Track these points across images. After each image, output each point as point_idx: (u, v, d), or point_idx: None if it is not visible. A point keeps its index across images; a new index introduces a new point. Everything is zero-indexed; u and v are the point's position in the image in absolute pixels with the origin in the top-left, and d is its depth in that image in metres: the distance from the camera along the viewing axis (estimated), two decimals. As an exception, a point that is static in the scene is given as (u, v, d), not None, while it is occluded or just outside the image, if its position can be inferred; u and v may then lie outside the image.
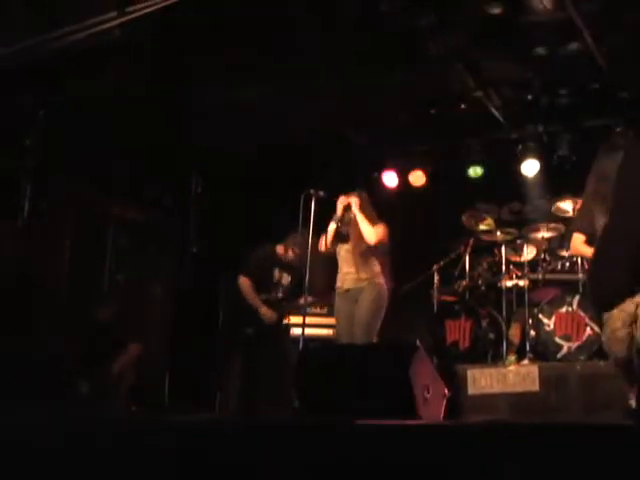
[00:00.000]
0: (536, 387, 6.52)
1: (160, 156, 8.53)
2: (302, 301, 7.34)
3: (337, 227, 7.06)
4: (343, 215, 7.04)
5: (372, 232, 6.91)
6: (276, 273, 7.56)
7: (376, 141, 9.14)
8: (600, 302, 3.97)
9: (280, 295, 7.55)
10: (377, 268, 6.93)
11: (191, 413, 6.81)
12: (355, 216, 6.98)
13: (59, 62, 6.20)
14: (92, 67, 6.78)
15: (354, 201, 7.00)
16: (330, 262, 7.42)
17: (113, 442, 3.83)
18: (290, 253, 7.55)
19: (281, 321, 7.62)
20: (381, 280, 6.89)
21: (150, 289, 9.31)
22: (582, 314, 7.09)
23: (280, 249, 7.61)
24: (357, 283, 6.92)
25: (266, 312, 7.39)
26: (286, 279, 7.61)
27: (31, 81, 6.58)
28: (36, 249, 7.53)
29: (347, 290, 6.94)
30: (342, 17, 6.71)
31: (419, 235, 9.24)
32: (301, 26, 6.84)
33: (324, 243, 7.06)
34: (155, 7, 5.31)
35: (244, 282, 7.45)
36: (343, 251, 7.10)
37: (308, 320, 7.25)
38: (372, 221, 7.00)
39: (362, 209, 7.03)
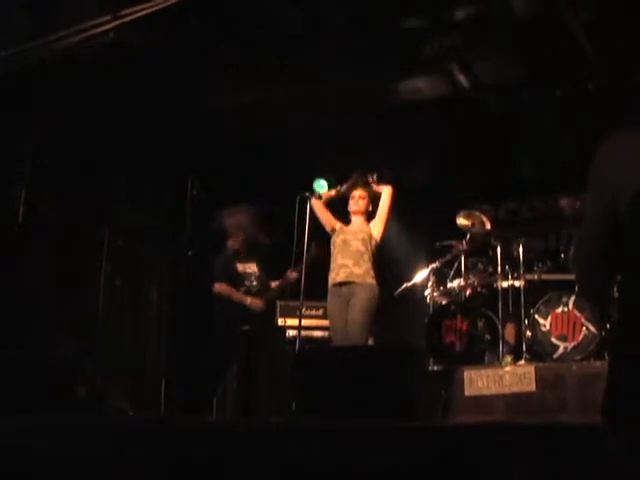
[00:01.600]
0: (533, 387, 6.52)
1: (157, 158, 8.53)
2: (274, 284, 7.44)
3: (336, 193, 7.13)
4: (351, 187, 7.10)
5: (381, 228, 6.96)
6: (238, 266, 7.53)
7: (370, 140, 9.11)
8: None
9: (255, 283, 7.51)
10: (370, 265, 6.87)
11: (188, 416, 6.81)
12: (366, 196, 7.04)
13: (54, 65, 6.19)
14: (87, 70, 6.77)
15: (387, 190, 7.02)
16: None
17: (111, 445, 3.83)
18: (234, 241, 7.57)
19: (269, 307, 7.64)
20: (373, 280, 6.85)
21: (147, 292, 9.30)
22: (578, 314, 7.09)
23: (229, 243, 7.63)
24: (350, 277, 6.84)
25: (253, 301, 7.36)
26: (250, 267, 7.58)
27: (26, 85, 6.57)
28: (31, 252, 7.53)
29: (339, 284, 6.88)
30: (338, 19, 6.72)
31: (414, 235, 9.25)
32: (295, 28, 6.85)
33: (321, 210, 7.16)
34: (149, 10, 5.31)
35: (220, 287, 7.42)
36: (339, 240, 7.05)
37: (304, 322, 7.27)
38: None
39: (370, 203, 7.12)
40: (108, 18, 5.58)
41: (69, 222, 8.05)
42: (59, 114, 7.24)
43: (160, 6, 5.48)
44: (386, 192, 7.03)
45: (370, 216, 7.14)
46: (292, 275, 7.46)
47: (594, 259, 2.33)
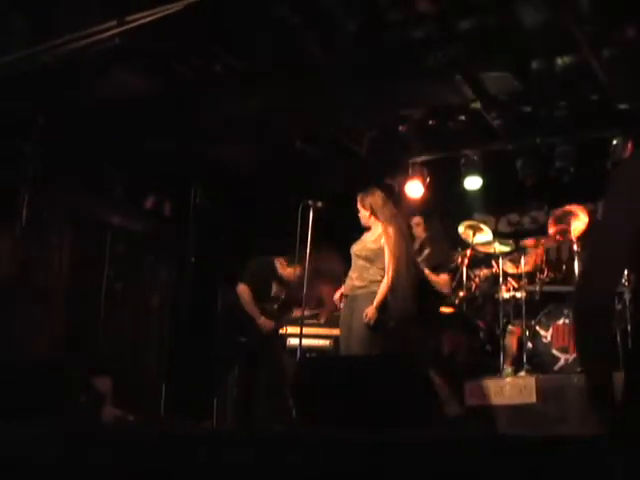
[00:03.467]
0: (533, 399, 6.51)
1: (159, 165, 8.53)
2: (297, 313, 7.37)
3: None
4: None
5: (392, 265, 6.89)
6: (274, 286, 7.55)
7: (375, 152, 9.12)
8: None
9: (276, 307, 7.56)
10: (378, 276, 6.85)
11: (188, 424, 6.80)
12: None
13: (59, 70, 6.20)
14: (91, 76, 6.78)
15: (389, 230, 6.97)
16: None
17: (110, 454, 3.82)
18: (289, 270, 7.57)
19: (277, 332, 7.62)
20: (377, 289, 6.83)
21: (148, 298, 9.30)
22: (580, 326, 7.08)
23: (280, 263, 7.62)
24: (352, 290, 6.89)
25: (264, 322, 7.39)
26: (282, 292, 7.61)
27: (30, 89, 6.58)
28: (34, 257, 7.53)
29: (346, 295, 6.93)
30: (342, 30, 6.73)
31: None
32: (301, 38, 6.85)
33: None
34: (155, 16, 5.32)
35: (244, 290, 7.44)
36: (352, 253, 7.05)
37: (305, 330, 7.25)
38: (387, 222, 6.98)
39: (378, 209, 7.05)
40: (114, 23, 5.58)
41: (72, 227, 8.05)
42: (62, 118, 7.24)
43: (165, 12, 5.47)
44: (387, 232, 6.95)
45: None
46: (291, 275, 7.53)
47: (607, 266, 2.31)
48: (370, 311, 6.67)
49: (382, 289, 6.74)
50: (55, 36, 5.62)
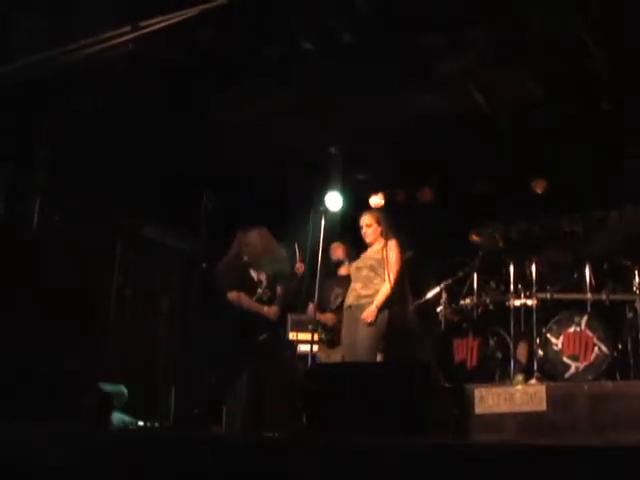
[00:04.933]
0: (543, 407, 6.49)
1: (171, 171, 8.55)
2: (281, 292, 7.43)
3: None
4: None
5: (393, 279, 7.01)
6: (252, 274, 7.50)
7: (385, 157, 9.12)
8: None
9: (267, 291, 7.50)
10: (380, 286, 6.96)
11: (197, 426, 6.79)
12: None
13: (72, 75, 6.22)
14: (105, 81, 6.80)
15: (391, 244, 7.10)
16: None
17: (118, 457, 3.82)
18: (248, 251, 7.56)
19: (284, 315, 7.65)
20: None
21: (157, 303, 9.31)
22: (590, 334, 7.08)
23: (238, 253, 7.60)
24: (358, 300, 7.03)
25: (269, 310, 7.36)
26: (261, 275, 7.55)
27: (44, 94, 6.60)
28: (44, 261, 7.54)
29: (349, 306, 7.05)
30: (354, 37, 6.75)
31: (427, 253, 9.23)
32: (309, 43, 6.87)
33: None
34: (169, 22, 5.34)
35: (234, 296, 7.38)
36: (353, 268, 7.23)
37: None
38: (391, 235, 7.12)
39: (385, 224, 7.24)
40: (128, 29, 5.60)
41: (81, 232, 8.07)
42: (75, 123, 7.26)
43: (179, 18, 5.50)
44: (390, 247, 7.08)
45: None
46: (300, 269, 7.51)
47: None
48: (371, 311, 6.82)
49: (384, 291, 6.91)
50: (71, 41, 5.63)
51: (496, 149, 8.79)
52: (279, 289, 7.49)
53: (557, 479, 3.04)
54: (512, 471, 3.15)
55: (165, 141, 8.14)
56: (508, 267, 7.86)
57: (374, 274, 7.02)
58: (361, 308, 6.91)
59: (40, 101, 6.69)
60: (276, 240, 7.63)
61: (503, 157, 8.95)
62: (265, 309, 7.34)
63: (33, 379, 6.05)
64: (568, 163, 8.74)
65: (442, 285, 8.37)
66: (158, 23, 5.33)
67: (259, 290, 7.41)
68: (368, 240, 7.24)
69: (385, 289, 6.91)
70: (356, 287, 7.09)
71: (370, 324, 6.78)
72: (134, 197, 8.72)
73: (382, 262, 7.01)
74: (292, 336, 8.08)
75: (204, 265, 7.16)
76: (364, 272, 7.08)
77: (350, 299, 7.11)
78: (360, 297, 7.00)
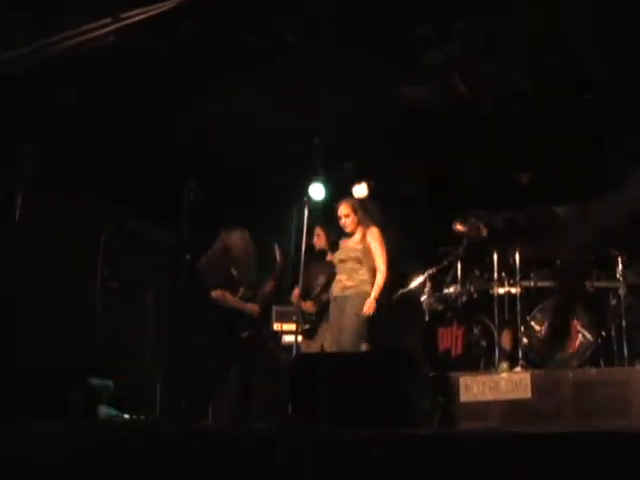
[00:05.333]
0: (528, 394, 6.52)
1: (154, 162, 8.52)
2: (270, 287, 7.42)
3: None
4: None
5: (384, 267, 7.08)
6: (233, 272, 7.48)
7: (368, 146, 9.11)
8: None
9: (247, 289, 7.49)
10: (367, 276, 7.03)
11: (184, 422, 6.79)
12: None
13: (53, 67, 6.19)
14: (87, 73, 6.76)
15: (373, 232, 7.13)
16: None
17: (105, 451, 3.82)
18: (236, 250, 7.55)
19: (266, 312, 7.66)
20: (369, 288, 6.99)
21: (143, 296, 9.27)
22: (574, 321, 7.11)
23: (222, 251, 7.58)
24: (343, 291, 7.11)
25: (251, 307, 7.36)
26: (242, 275, 7.56)
27: (25, 88, 6.57)
28: (28, 255, 7.51)
29: (335, 298, 7.08)
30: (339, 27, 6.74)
31: (410, 242, 9.25)
32: (295, 34, 6.85)
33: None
34: (150, 13, 5.31)
35: (218, 294, 7.35)
36: (337, 260, 7.25)
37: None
38: (372, 222, 7.17)
39: (364, 212, 7.26)
40: (108, 21, 5.57)
41: (65, 225, 8.03)
42: (57, 117, 7.23)
43: (160, 10, 5.47)
44: (372, 235, 7.13)
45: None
46: (268, 287, 7.49)
47: None
48: (370, 303, 6.92)
49: (379, 282, 7.04)
50: (52, 33, 5.60)
51: (480, 138, 8.80)
52: (261, 288, 7.50)
53: (542, 465, 3.06)
54: (497, 458, 3.17)
55: (148, 133, 8.11)
56: (492, 256, 7.88)
57: (359, 265, 7.09)
58: (346, 299, 6.97)
59: (22, 95, 6.64)
60: (255, 242, 7.64)
61: (488, 146, 8.97)
62: (248, 307, 7.34)
63: (20, 375, 6.05)
64: (552, 152, 8.76)
65: (426, 274, 8.37)
66: (139, 15, 5.30)
67: (241, 289, 7.41)
68: (348, 230, 7.28)
69: (380, 280, 7.02)
70: (341, 279, 7.15)
71: (357, 314, 6.83)
72: (118, 190, 8.68)
73: (366, 252, 7.08)
74: (277, 327, 8.10)
75: (188, 257, 7.14)
76: (349, 264, 7.13)
77: (336, 290, 7.18)
78: (345, 288, 7.07)
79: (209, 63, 7.11)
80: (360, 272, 7.06)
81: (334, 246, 7.55)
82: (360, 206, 7.39)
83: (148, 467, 3.68)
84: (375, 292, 6.96)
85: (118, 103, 7.43)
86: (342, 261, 7.18)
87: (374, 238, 7.14)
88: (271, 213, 8.16)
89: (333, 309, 7.16)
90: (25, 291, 7.34)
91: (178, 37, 6.55)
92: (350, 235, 7.29)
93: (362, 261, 7.07)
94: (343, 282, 7.09)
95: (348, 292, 7.01)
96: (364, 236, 7.17)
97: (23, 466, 3.70)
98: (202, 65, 7.16)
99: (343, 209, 7.32)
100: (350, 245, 7.23)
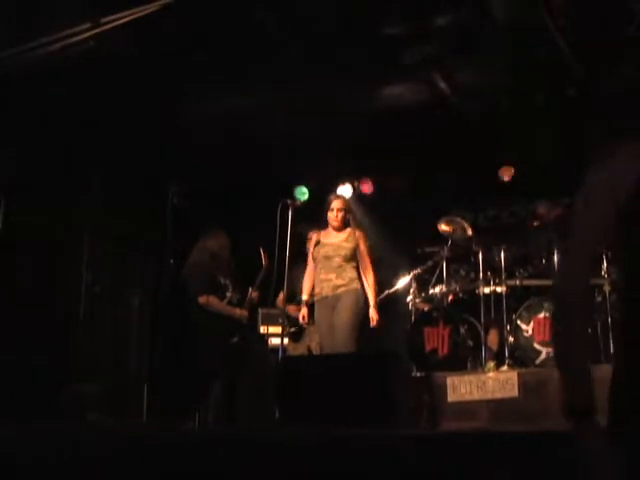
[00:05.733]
0: (515, 393, 6.53)
1: (138, 166, 8.49)
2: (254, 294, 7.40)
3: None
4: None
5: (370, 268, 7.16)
6: (220, 278, 7.46)
7: (352, 146, 9.10)
8: None
9: (234, 294, 7.48)
10: (354, 274, 7.04)
11: (171, 425, 6.77)
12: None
13: (33, 72, 6.15)
14: (67, 76, 6.72)
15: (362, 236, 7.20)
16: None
17: (93, 455, 3.80)
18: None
19: (252, 317, 7.65)
20: (358, 285, 7.00)
21: (127, 300, 9.25)
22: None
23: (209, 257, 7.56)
24: (334, 290, 7.04)
25: (242, 312, 7.33)
26: (227, 279, 7.54)
27: (4, 92, 6.53)
28: (11, 260, 7.48)
29: (325, 297, 7.03)
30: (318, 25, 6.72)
31: (396, 241, 9.26)
32: (275, 34, 6.84)
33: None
34: (130, 17, 5.29)
35: (207, 300, 7.28)
36: (321, 255, 7.17)
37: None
38: (355, 225, 7.21)
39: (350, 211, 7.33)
40: (88, 26, 5.54)
41: (49, 230, 8.00)
42: (38, 120, 7.20)
43: (139, 14, 5.45)
44: (361, 237, 7.22)
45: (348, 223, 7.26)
46: (253, 295, 7.46)
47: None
48: (374, 313, 7.04)
49: (373, 286, 7.12)
50: (32, 38, 5.57)
51: (462, 137, 8.81)
52: (249, 292, 7.47)
53: (529, 464, 3.05)
54: (485, 458, 3.16)
55: (133, 136, 8.08)
56: (477, 255, 7.89)
57: (346, 263, 7.07)
58: (338, 298, 6.95)
59: (2, 99, 6.61)
60: (240, 245, 7.65)
61: (470, 145, 8.98)
62: (238, 312, 7.31)
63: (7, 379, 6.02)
64: (534, 149, 8.78)
65: (412, 274, 8.38)
66: (119, 19, 5.28)
67: (227, 294, 7.39)
68: (337, 224, 7.21)
69: (372, 282, 7.10)
70: (330, 278, 7.08)
71: (353, 314, 6.83)
72: (102, 194, 8.66)
73: (354, 252, 7.08)
74: (263, 329, 8.08)
75: (172, 261, 7.12)
76: (336, 261, 7.07)
77: (325, 290, 7.09)
78: (337, 287, 7.03)
79: (190, 65, 7.07)
80: (347, 270, 7.04)
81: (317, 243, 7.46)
82: (351, 205, 7.48)
83: (134, 472, 3.66)
84: (373, 298, 7.07)
85: (98, 107, 7.40)
86: (328, 258, 7.12)
87: (362, 239, 7.15)
88: (255, 215, 8.15)
89: (321, 308, 7.10)
90: (8, 295, 7.31)
91: (159, 41, 6.51)
92: (337, 231, 7.24)
93: (350, 259, 7.06)
94: (333, 281, 7.03)
95: (339, 291, 6.97)
96: (354, 235, 7.15)
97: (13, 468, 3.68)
98: (182, 67, 7.12)
99: (339, 203, 7.28)
100: (337, 242, 7.18)
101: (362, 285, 7.06)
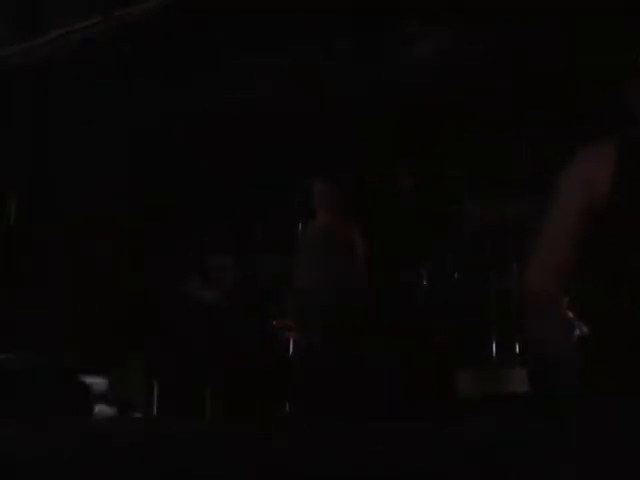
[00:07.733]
0: (525, 389, 6.53)
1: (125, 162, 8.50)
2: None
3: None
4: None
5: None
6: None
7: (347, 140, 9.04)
8: None
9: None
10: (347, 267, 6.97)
11: (180, 420, 6.80)
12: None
13: (46, 66, 6.18)
14: (78, 69, 6.73)
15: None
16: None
17: (99, 451, 3.82)
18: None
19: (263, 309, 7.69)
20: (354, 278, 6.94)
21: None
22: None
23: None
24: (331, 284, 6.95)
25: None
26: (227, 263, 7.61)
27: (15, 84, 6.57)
28: (16, 257, 7.52)
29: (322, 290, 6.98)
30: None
31: (397, 237, 9.24)
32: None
33: None
34: (141, 12, 5.30)
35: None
36: (317, 249, 7.11)
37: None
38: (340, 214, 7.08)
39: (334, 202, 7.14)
40: (96, 20, 5.55)
41: (28, 226, 8.04)
42: (46, 112, 7.24)
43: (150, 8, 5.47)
44: (357, 231, 7.10)
45: None
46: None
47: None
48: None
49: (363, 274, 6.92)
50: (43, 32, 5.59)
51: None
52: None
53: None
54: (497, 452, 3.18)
55: (124, 134, 8.09)
56: (486, 250, 7.87)
57: (344, 256, 6.99)
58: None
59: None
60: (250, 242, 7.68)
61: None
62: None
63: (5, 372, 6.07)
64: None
65: (417, 269, 8.35)
66: (130, 13, 5.30)
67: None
68: (331, 215, 7.16)
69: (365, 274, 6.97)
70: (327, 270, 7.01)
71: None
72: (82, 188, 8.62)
73: (352, 245, 6.98)
74: (275, 323, 8.11)
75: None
76: (332, 253, 7.01)
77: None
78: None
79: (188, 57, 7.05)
80: (345, 262, 6.97)
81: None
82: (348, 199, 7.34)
83: (142, 465, 3.69)
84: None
85: (87, 102, 7.40)
86: (324, 249, 7.06)
87: (358, 234, 7.04)
88: (263, 213, 8.17)
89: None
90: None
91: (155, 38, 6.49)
92: (334, 223, 7.18)
93: (347, 251, 6.99)
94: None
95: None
96: (349, 230, 7.08)
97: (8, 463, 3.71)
98: (181, 59, 7.11)
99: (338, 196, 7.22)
100: (330, 233, 7.11)
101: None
